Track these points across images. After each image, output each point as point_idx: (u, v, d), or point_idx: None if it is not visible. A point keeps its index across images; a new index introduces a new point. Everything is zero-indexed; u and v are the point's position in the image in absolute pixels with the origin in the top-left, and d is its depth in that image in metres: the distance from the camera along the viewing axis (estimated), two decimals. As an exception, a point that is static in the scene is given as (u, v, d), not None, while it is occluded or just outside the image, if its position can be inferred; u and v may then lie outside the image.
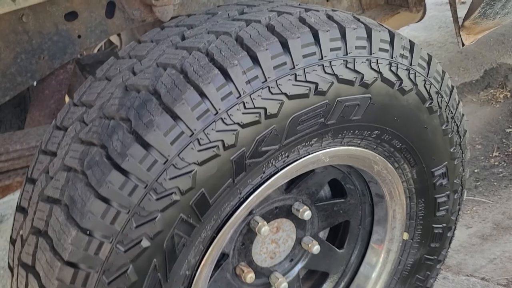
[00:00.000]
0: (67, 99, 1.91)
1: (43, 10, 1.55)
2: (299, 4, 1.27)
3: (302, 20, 1.14)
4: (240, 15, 1.20)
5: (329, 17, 1.18)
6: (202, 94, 0.98)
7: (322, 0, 2.11)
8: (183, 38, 1.15)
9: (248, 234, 1.43)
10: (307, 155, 1.24)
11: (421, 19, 2.59)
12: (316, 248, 1.55)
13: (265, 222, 1.39)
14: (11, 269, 1.11)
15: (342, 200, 1.61)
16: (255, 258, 1.49)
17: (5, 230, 2.77)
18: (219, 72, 1.00)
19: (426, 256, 1.74)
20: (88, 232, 0.93)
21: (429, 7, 2.78)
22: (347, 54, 1.14)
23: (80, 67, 2.30)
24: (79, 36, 1.66)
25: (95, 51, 3.31)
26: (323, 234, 1.73)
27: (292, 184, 1.47)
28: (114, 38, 3.23)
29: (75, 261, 0.94)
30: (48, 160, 1.09)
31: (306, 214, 1.48)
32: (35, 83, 1.84)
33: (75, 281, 0.94)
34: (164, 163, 0.96)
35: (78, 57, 2.18)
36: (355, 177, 1.57)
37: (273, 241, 1.54)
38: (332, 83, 1.13)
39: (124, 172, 0.94)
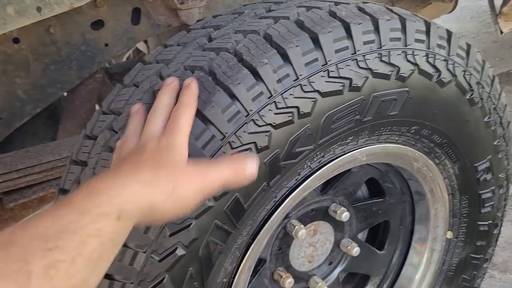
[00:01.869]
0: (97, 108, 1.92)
1: (70, 20, 1.56)
2: (328, -2, 1.22)
3: (332, 14, 1.09)
4: (267, 12, 1.16)
5: (361, 10, 1.12)
6: (232, 96, 0.95)
7: (349, -6, 2.05)
8: (210, 40, 1.12)
9: (284, 238, 1.39)
10: (343, 155, 1.19)
11: (452, 10, 2.49)
12: (355, 250, 1.49)
13: (302, 226, 1.34)
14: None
15: (381, 199, 1.55)
16: (293, 263, 1.45)
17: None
18: (248, 72, 0.96)
19: (472, 255, 1.65)
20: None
21: (460, -3, 2.68)
22: (381, 47, 1.09)
23: (109, 76, 2.31)
24: (106, 45, 1.66)
25: (124, 60, 3.33)
26: (362, 236, 1.67)
27: (328, 185, 1.42)
28: (141, 46, 3.25)
29: (111, 272, 0.92)
30: (79, 170, 1.08)
31: (344, 215, 1.42)
32: (65, 94, 1.86)
33: (111, 292, 0.92)
34: (196, 168, 0.93)
35: (106, 66, 2.20)
36: (394, 175, 1.51)
37: (311, 245, 1.49)
38: (367, 78, 1.07)
39: (156, 180, 0.91)
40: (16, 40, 1.47)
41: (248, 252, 1.10)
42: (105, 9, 1.62)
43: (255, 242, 1.10)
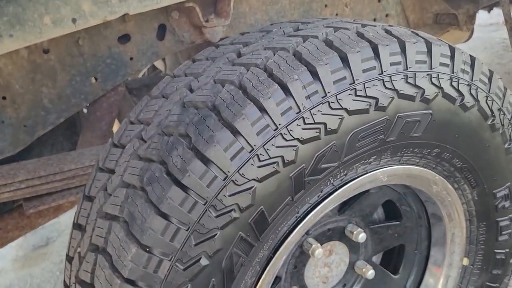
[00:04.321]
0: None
1: (98, 33, 1.60)
2: (354, 20, 1.25)
3: (360, 35, 1.11)
4: (295, 31, 1.19)
5: (388, 32, 1.15)
6: (262, 109, 0.97)
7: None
8: (239, 55, 1.14)
9: (300, 256, 1.38)
10: (365, 174, 1.20)
11: (468, 39, 2.53)
12: (370, 273, 1.48)
13: (319, 244, 1.34)
14: (67, 287, 1.11)
15: (397, 222, 1.54)
16: (308, 282, 1.44)
17: (51, 252, 2.82)
18: (278, 87, 0.98)
19: (488, 283, 1.63)
20: (148, 249, 0.92)
21: (474, 28, 2.72)
22: (407, 68, 1.11)
23: (127, 90, 2.35)
24: (131, 58, 1.69)
25: (139, 76, 3.39)
26: (376, 259, 1.66)
27: (345, 205, 1.42)
28: (158, 63, 3.31)
29: (135, 278, 0.92)
30: (106, 178, 1.09)
31: (361, 236, 1.42)
32: (85, 110, 1.89)
33: (134, 299, 0.91)
34: (224, 179, 0.94)
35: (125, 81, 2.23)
36: (411, 198, 1.51)
37: (326, 265, 1.48)
38: (393, 98, 1.09)
39: (184, 188, 0.93)
40: (45, 51, 1.51)
41: (268, 267, 1.10)
42: (133, 23, 1.66)
43: (275, 256, 1.10)
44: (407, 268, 1.64)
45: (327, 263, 1.48)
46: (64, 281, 1.14)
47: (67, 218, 3.05)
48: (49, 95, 1.56)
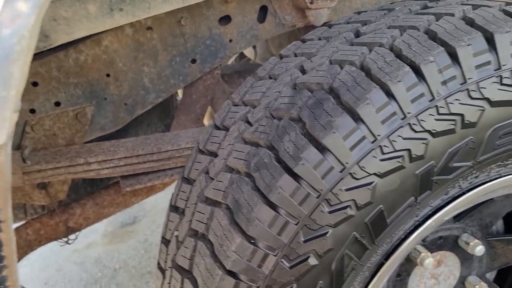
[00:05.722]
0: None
1: (200, 13, 1.56)
2: (494, -2, 1.07)
3: (507, 13, 0.94)
4: (424, 9, 1.05)
5: (539, 10, 0.96)
6: (389, 94, 0.84)
7: None
8: (358, 35, 1.02)
9: (406, 264, 1.24)
10: (498, 178, 1.02)
11: None
12: (485, 292, 1.30)
13: (429, 253, 1.18)
14: (162, 270, 1.07)
15: (523, 237, 1.34)
16: (411, 294, 1.29)
17: (137, 231, 2.90)
18: (410, 70, 0.85)
19: None
20: (253, 241, 0.84)
21: None
22: None
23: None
24: (230, 41, 1.64)
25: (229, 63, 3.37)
26: (489, 276, 1.46)
27: (463, 212, 1.25)
28: (248, 51, 3.27)
29: (237, 271, 0.84)
30: (208, 161, 1.03)
31: (478, 249, 1.24)
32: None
33: (235, 294, 0.84)
34: (341, 171, 0.83)
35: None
36: (543, 210, 1.29)
37: (433, 276, 1.32)
38: (546, 89, 0.91)
39: (296, 178, 0.83)
40: (149, 29, 1.50)
41: (378, 274, 0.98)
42: (234, 5, 1.60)
43: (387, 263, 0.98)
44: (527, 290, 1.43)
45: (434, 274, 1.32)
46: (159, 263, 1.11)
47: (152, 199, 3.13)
48: (149, 74, 1.55)
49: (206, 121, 2.30)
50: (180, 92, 2.57)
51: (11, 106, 0.54)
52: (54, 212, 1.54)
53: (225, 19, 1.61)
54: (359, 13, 1.17)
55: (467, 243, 1.25)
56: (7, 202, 0.63)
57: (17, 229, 1.51)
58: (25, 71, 0.55)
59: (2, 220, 0.63)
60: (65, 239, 1.60)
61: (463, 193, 0.99)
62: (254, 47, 3.11)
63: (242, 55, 3.50)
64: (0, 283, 0.67)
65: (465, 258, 1.31)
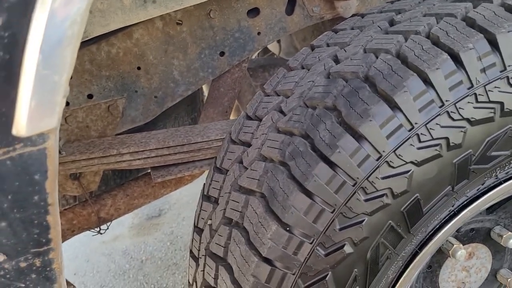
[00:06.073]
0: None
1: (229, 6, 1.57)
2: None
3: (549, 0, 0.92)
4: (460, -3, 1.03)
5: None
6: (427, 82, 0.83)
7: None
8: (393, 23, 1.01)
9: (437, 256, 1.23)
10: (536, 168, 1.00)
11: None
12: (518, 285, 1.28)
13: (461, 245, 1.17)
14: (195, 258, 1.08)
15: (557, 230, 1.31)
16: (442, 286, 1.28)
17: (163, 223, 2.93)
18: (448, 57, 0.84)
19: None
20: (288, 228, 0.84)
21: None
22: None
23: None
24: (258, 33, 1.64)
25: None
26: (522, 269, 1.44)
27: (496, 204, 1.23)
28: (272, 46, 3.26)
29: (273, 258, 0.85)
30: (241, 150, 1.04)
31: (511, 242, 1.22)
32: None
33: (271, 280, 0.85)
34: (378, 159, 0.83)
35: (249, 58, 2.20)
36: None
37: (464, 269, 1.31)
38: None
39: (332, 166, 0.83)
40: (179, 23, 1.51)
41: (412, 264, 0.97)
42: (263, -3, 1.60)
43: (422, 253, 0.97)
44: (562, 285, 1.39)
45: (466, 267, 1.31)
46: (191, 251, 1.12)
47: (177, 192, 3.16)
48: (179, 67, 1.56)
49: (232, 115, 2.31)
50: (205, 87, 2.59)
51: (62, 91, 0.56)
52: (86, 203, 1.57)
53: (254, 12, 1.62)
54: (392, 2, 1.16)
55: (500, 236, 1.23)
56: (54, 186, 0.65)
57: (51, 218, 1.55)
58: (74, 57, 0.56)
59: (50, 204, 0.65)
60: (97, 229, 1.63)
61: (500, 183, 0.98)
62: (278, 41, 3.11)
63: (266, 50, 3.50)
64: (47, 265, 0.70)
65: (497, 250, 1.29)
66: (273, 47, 3.32)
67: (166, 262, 2.54)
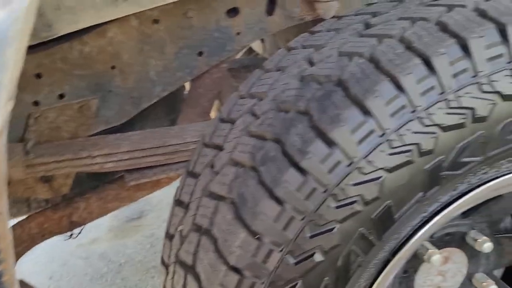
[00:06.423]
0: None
1: (207, 5, 1.54)
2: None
3: (522, 5, 0.92)
4: (435, 0, 1.02)
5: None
6: (399, 87, 0.82)
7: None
8: (368, 26, 1.00)
9: (412, 261, 1.22)
10: (508, 174, 1.00)
11: None
12: (492, 289, 1.28)
13: (436, 250, 1.16)
14: (165, 265, 1.06)
15: (532, 234, 1.31)
16: (417, 291, 1.27)
17: (143, 225, 2.90)
18: (420, 62, 0.83)
19: None
20: (258, 236, 0.82)
21: None
22: None
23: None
24: (238, 33, 1.62)
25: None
26: (497, 273, 1.44)
27: (471, 208, 1.23)
28: (256, 46, 3.24)
29: (241, 266, 0.83)
30: (213, 154, 1.02)
31: (486, 246, 1.21)
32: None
33: (239, 289, 0.83)
34: (349, 165, 0.82)
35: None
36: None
37: (440, 273, 1.30)
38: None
39: (302, 172, 0.82)
40: (155, 21, 1.48)
41: (385, 271, 0.96)
42: (242, -4, 1.58)
43: (394, 259, 0.96)
44: (536, 289, 1.40)
45: (441, 271, 1.30)
46: (162, 258, 1.10)
47: (160, 193, 3.12)
48: (155, 67, 1.54)
49: (213, 115, 2.29)
50: (187, 86, 2.56)
51: (5, 94, 0.53)
52: (57, 206, 1.54)
53: (233, 11, 1.60)
54: (369, 4, 1.15)
55: (475, 240, 1.23)
56: (2, 194, 0.61)
57: (20, 223, 1.51)
58: (20, 57, 0.53)
59: (-2, 213, 0.61)
60: (69, 233, 1.59)
61: (472, 189, 0.97)
62: (262, 41, 3.09)
63: (250, 50, 3.47)
64: (-2, 277, 0.66)
65: (473, 255, 1.29)
66: (257, 46, 3.30)
67: (146, 265, 2.51)
